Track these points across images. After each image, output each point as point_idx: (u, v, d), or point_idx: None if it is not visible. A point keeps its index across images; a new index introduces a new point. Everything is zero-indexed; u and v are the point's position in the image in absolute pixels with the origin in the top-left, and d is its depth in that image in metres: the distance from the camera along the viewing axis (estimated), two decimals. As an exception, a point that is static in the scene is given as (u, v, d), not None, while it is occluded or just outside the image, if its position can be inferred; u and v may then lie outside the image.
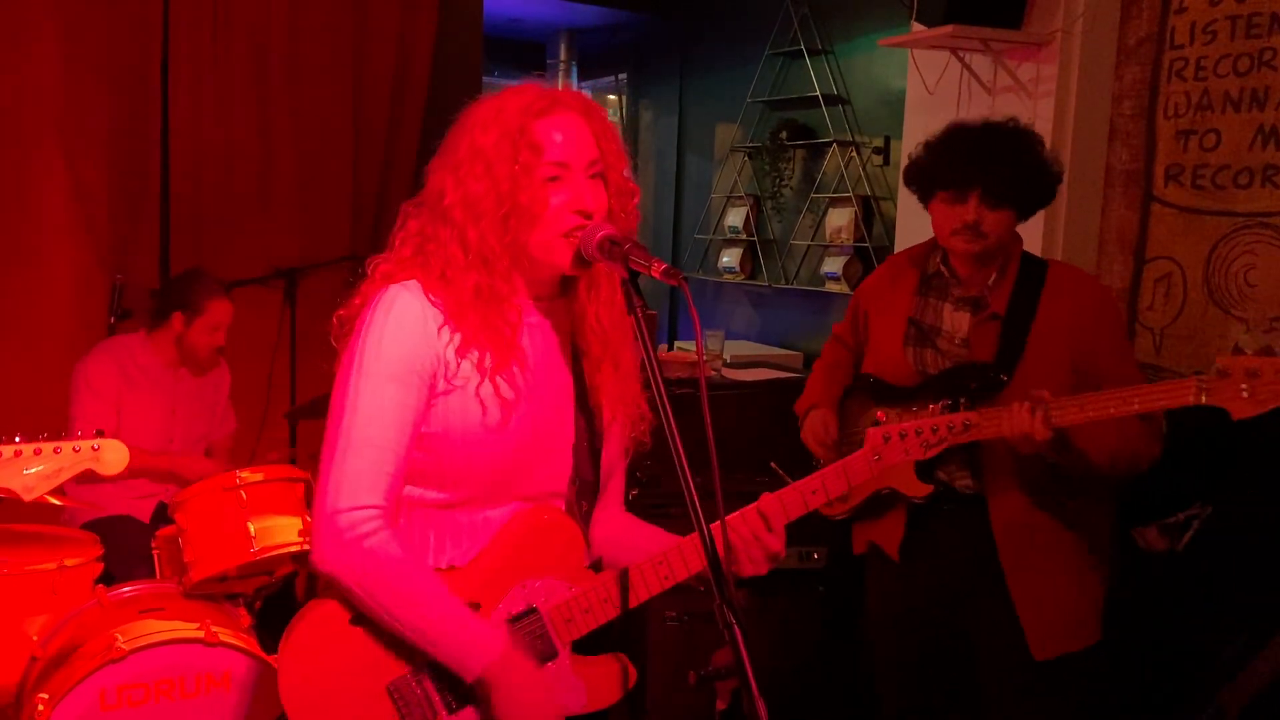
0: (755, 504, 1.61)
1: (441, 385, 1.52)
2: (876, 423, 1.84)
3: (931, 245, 2.44)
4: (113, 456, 1.98)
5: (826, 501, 1.71)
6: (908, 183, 2.41)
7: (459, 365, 1.52)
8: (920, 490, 2.27)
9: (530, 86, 1.57)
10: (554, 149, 1.51)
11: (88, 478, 3.20)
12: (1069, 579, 2.26)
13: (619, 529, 1.74)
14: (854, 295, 2.65)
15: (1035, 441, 2.02)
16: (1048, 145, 3.22)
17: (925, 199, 2.37)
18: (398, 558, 1.50)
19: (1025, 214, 2.31)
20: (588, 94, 1.63)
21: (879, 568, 2.46)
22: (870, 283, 2.62)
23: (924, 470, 2.27)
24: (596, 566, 1.67)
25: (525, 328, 1.59)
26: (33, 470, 1.90)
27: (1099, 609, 2.30)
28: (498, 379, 1.53)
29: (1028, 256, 2.36)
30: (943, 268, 2.39)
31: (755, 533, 1.59)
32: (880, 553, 2.41)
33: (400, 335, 1.50)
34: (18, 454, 1.89)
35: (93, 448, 1.95)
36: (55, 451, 1.91)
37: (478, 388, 1.52)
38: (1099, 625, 2.30)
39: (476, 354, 1.52)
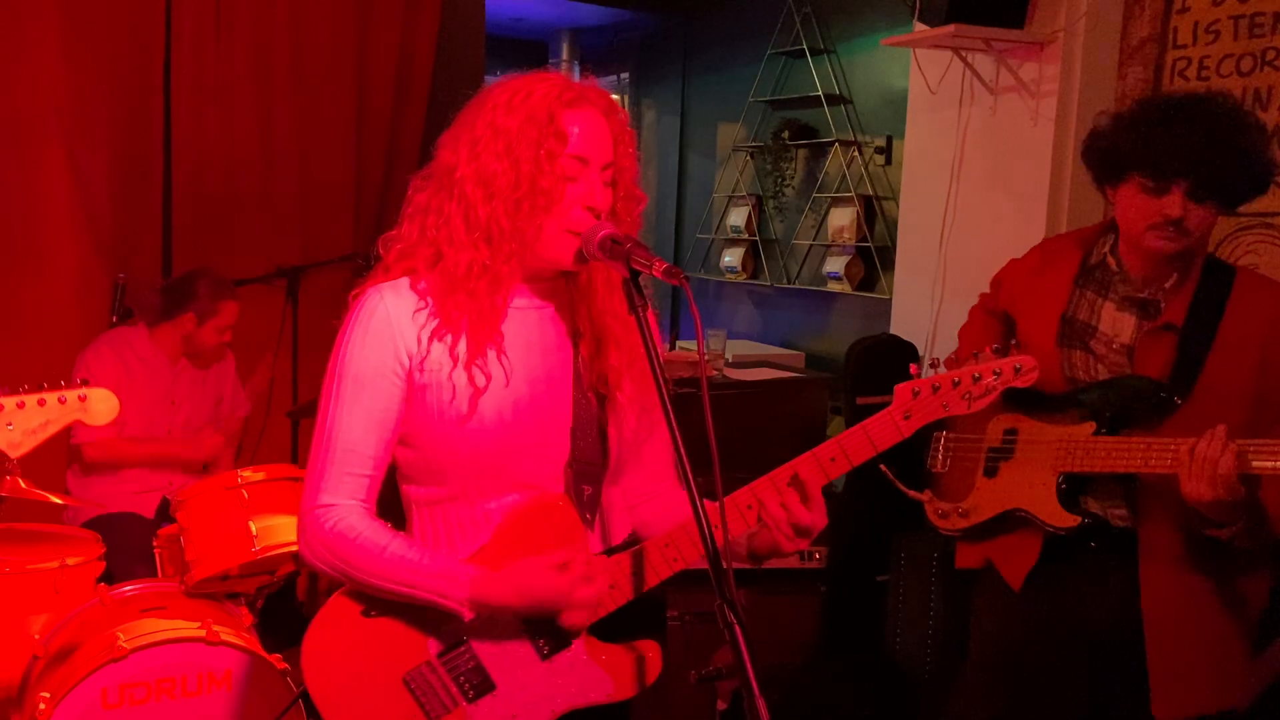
0: (770, 475, 1.53)
1: (418, 378, 1.53)
2: (1009, 435, 1.53)
3: (1100, 231, 2.11)
4: (101, 407, 1.93)
5: (850, 468, 1.53)
6: (1087, 159, 2.04)
7: (429, 350, 1.53)
8: (1064, 520, 1.98)
9: (556, 75, 1.56)
10: (577, 142, 1.51)
11: (94, 469, 3.27)
12: (1214, 636, 1.97)
13: (664, 506, 1.68)
14: (997, 275, 2.30)
15: (1218, 488, 1.76)
16: (1049, 146, 3.20)
17: (1109, 181, 2.00)
18: (359, 529, 1.53)
19: (1232, 207, 1.95)
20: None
21: (992, 591, 2.14)
22: (1016, 268, 2.26)
23: (1069, 497, 1.99)
24: (614, 550, 1.62)
25: (515, 313, 1.59)
26: (16, 425, 1.84)
27: (1243, 672, 2.02)
28: (473, 367, 1.52)
29: (1213, 260, 2.02)
30: (1110, 259, 2.04)
31: (765, 504, 1.51)
32: (996, 576, 2.11)
33: (367, 341, 1.53)
34: None
35: (79, 398, 1.90)
36: (40, 404, 1.85)
37: (450, 374, 1.52)
38: (1240, 689, 2.02)
39: (451, 338, 1.52)
